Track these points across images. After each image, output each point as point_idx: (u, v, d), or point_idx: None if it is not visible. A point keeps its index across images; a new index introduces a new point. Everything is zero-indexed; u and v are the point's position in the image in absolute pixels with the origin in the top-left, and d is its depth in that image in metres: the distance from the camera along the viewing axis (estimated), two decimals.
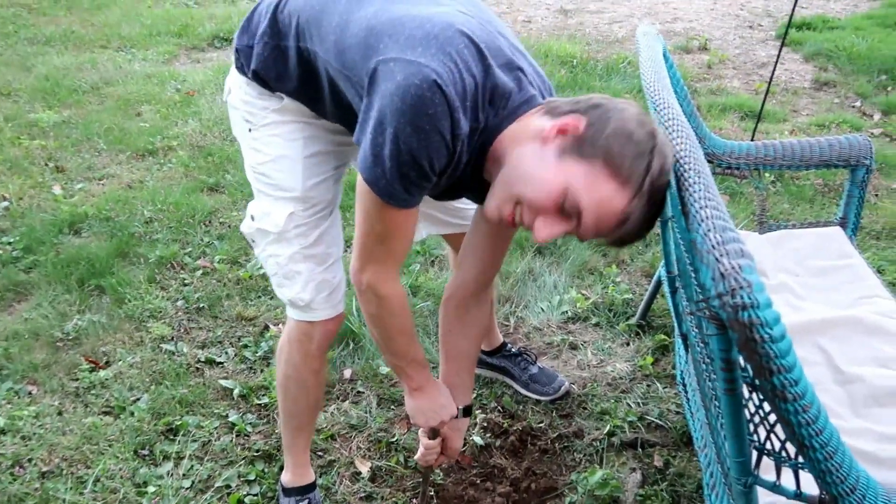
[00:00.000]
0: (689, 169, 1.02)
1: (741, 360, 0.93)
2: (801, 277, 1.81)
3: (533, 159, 1.05)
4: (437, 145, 1.03)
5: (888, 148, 3.47)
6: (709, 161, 2.02)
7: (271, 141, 1.34)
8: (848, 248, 1.86)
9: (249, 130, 1.35)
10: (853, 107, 4.07)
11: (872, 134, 3.66)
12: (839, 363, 1.48)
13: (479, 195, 1.20)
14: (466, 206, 1.63)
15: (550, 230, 1.05)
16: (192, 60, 5.18)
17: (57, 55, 5.07)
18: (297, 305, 1.42)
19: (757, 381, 0.84)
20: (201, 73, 4.75)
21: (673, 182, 1.10)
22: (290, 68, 1.25)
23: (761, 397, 0.95)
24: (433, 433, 1.46)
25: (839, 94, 4.26)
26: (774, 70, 3.17)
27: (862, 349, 1.51)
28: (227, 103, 1.40)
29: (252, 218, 1.40)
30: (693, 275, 1.19)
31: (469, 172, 1.15)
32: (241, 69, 1.33)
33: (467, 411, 1.51)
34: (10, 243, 2.70)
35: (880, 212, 2.87)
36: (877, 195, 3.03)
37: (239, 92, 1.35)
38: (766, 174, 3.10)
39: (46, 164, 3.40)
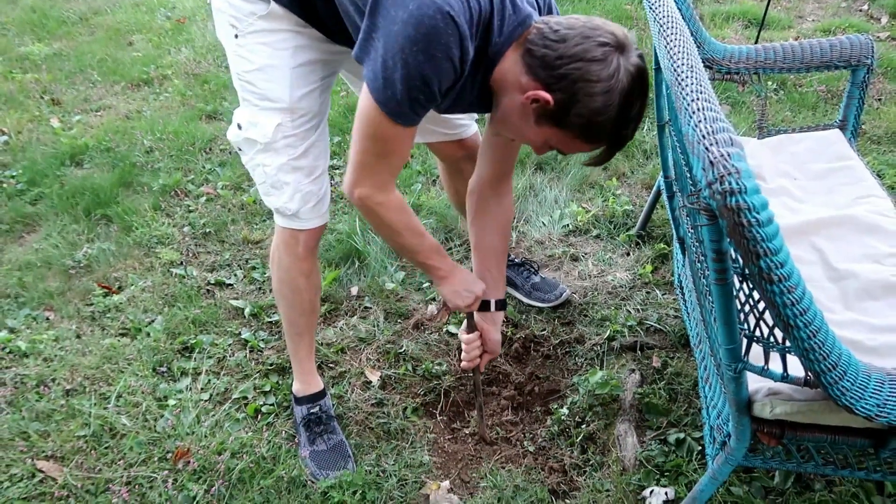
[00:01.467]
0: (682, 65, 1.02)
1: (731, 252, 0.96)
2: (800, 181, 1.82)
3: (517, 118, 1.20)
4: (447, 70, 1.11)
5: (894, 52, 3.40)
6: (708, 67, 2.00)
7: (258, 49, 1.33)
8: (846, 150, 1.87)
9: (236, 36, 1.34)
10: (860, 10, 3.97)
11: (879, 38, 3.58)
12: (832, 261, 1.51)
13: (484, 107, 1.30)
14: (452, 117, 1.69)
15: (542, 152, 1.27)
16: None
17: None
18: (284, 214, 1.47)
19: (746, 270, 0.88)
20: None
21: (668, 79, 1.11)
22: None
23: (751, 286, 0.99)
24: (470, 327, 1.53)
25: None
26: None
27: (856, 247, 1.54)
28: (211, 6, 1.38)
29: (239, 126, 1.41)
30: (688, 173, 1.21)
31: (476, 93, 1.23)
32: None
33: (501, 305, 1.57)
34: (13, 176, 2.72)
35: (882, 116, 2.85)
36: (880, 100, 2.99)
37: None
38: (768, 81, 3.06)
39: (42, 98, 3.38)
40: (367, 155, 1.23)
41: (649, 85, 1.17)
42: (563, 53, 1.10)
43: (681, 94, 0.96)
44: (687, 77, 0.97)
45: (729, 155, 0.80)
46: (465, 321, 1.55)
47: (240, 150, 1.46)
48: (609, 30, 1.11)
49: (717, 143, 0.82)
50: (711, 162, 0.81)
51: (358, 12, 1.19)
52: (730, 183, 0.79)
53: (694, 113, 0.89)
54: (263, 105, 1.37)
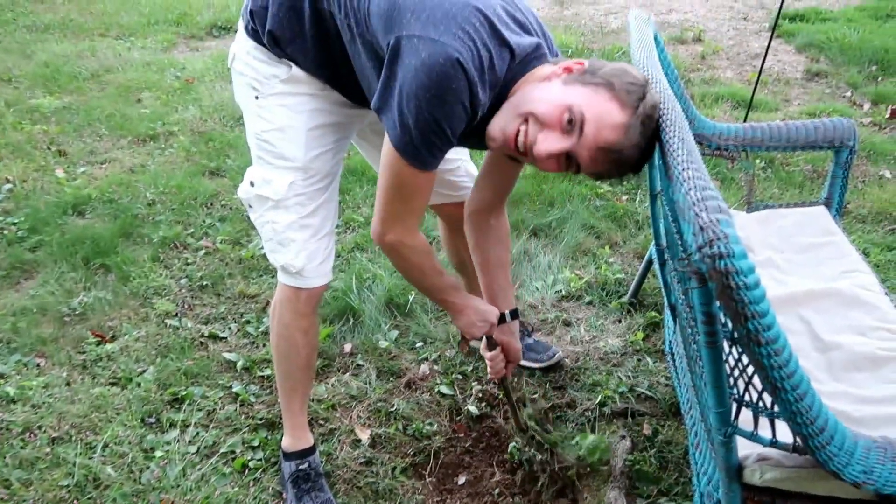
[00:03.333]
0: (674, 136, 1.08)
1: (721, 316, 0.99)
2: (786, 254, 1.87)
3: (541, 88, 1.19)
4: (459, 114, 1.16)
5: (876, 136, 3.54)
6: (698, 143, 2.08)
7: (278, 111, 1.39)
8: (831, 226, 1.93)
9: (256, 98, 1.40)
10: (844, 97, 4.14)
11: (862, 123, 3.72)
12: (819, 332, 1.55)
13: None
14: (459, 178, 1.76)
15: (551, 145, 1.15)
16: (191, 49, 5.22)
17: (56, 42, 5.11)
18: (289, 272, 1.50)
19: (735, 333, 0.91)
20: (200, 61, 4.80)
21: (661, 150, 1.17)
22: (304, 28, 1.31)
23: (739, 350, 1.01)
24: (490, 345, 1.59)
25: (830, 84, 4.33)
26: (765, 59, 3.23)
27: (842, 319, 1.58)
28: (232, 69, 1.45)
29: (251, 184, 1.45)
30: (679, 239, 1.25)
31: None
32: (255, 33, 1.37)
33: (515, 314, 1.64)
34: (15, 224, 2.75)
35: (867, 196, 2.94)
36: (864, 181, 3.10)
37: (247, 58, 1.40)
38: (756, 159, 3.17)
39: (49, 148, 3.45)
40: (392, 203, 1.28)
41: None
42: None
43: (672, 162, 1.01)
44: (678, 148, 1.03)
45: (718, 221, 0.85)
46: (484, 339, 1.60)
47: (249, 206, 1.49)
48: None
49: (706, 209, 0.87)
50: (701, 227, 0.85)
51: (375, 68, 1.25)
52: (719, 247, 0.83)
53: (685, 181, 0.94)
54: (278, 164, 1.42)
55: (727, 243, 0.82)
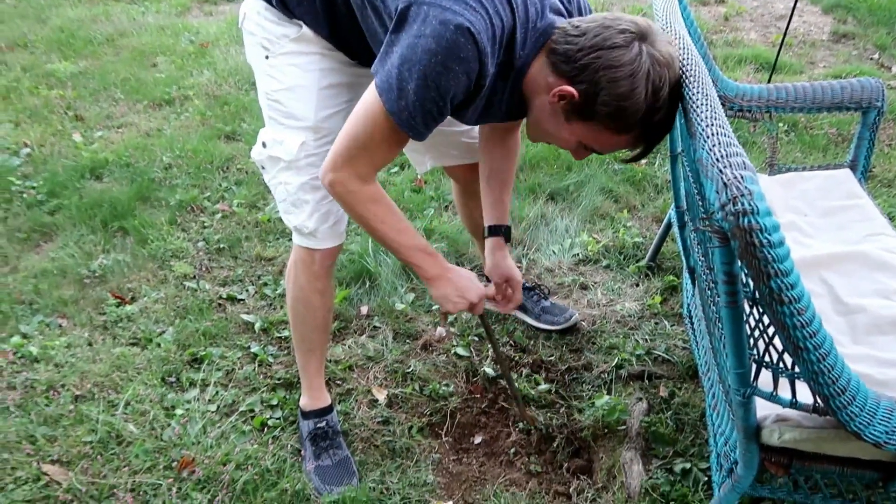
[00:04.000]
0: (697, 92, 1.05)
1: (742, 276, 0.98)
2: (810, 217, 1.84)
3: (548, 119, 1.21)
4: (463, 83, 1.13)
5: None
6: (721, 104, 2.03)
7: (288, 70, 1.37)
8: (856, 188, 1.89)
9: (266, 57, 1.38)
10: (871, 59, 4.03)
11: (890, 86, 3.62)
12: (841, 295, 1.52)
13: (519, 115, 1.32)
14: (473, 140, 1.73)
15: (580, 156, 1.29)
16: (205, 13, 5.17)
17: (71, 7, 5.08)
18: (302, 232, 1.50)
19: (756, 293, 0.89)
20: (214, 25, 4.75)
21: (684, 107, 1.14)
22: None
23: (760, 311, 1.00)
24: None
25: (857, 46, 4.21)
26: (790, 20, 3.14)
27: (865, 282, 1.55)
28: (243, 29, 1.43)
29: (264, 144, 1.44)
30: (699, 199, 1.23)
31: (506, 105, 1.26)
32: None
33: (507, 232, 1.64)
34: (33, 187, 2.77)
35: (893, 160, 2.88)
36: (890, 145, 3.03)
37: (257, 17, 1.38)
38: (779, 123, 3.10)
39: (66, 113, 3.46)
40: (353, 149, 1.20)
41: (682, 75, 1.13)
42: (584, 45, 1.11)
43: (696, 119, 0.99)
44: (702, 105, 1.00)
45: (742, 177, 0.83)
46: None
47: (262, 168, 1.49)
48: (630, 19, 1.12)
49: (730, 165, 0.85)
50: (725, 184, 0.83)
51: (384, 33, 1.23)
52: (743, 204, 0.81)
53: (709, 137, 0.92)
54: (289, 123, 1.41)
55: (751, 200, 0.81)
